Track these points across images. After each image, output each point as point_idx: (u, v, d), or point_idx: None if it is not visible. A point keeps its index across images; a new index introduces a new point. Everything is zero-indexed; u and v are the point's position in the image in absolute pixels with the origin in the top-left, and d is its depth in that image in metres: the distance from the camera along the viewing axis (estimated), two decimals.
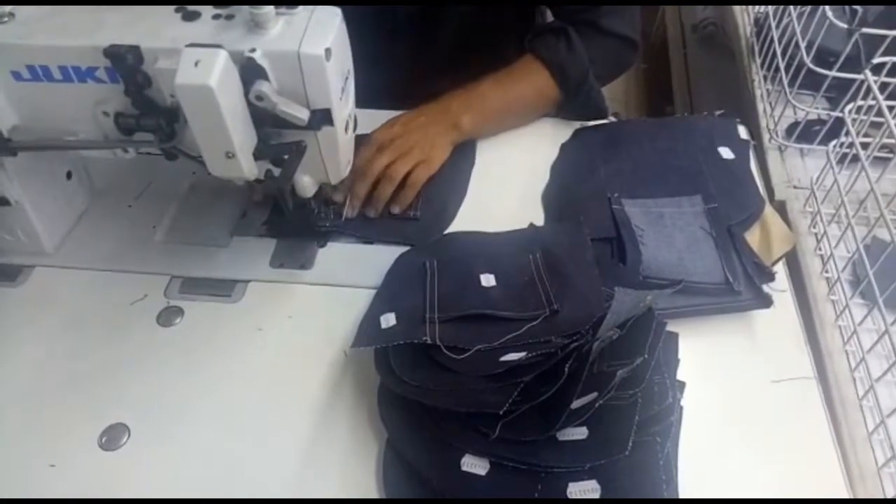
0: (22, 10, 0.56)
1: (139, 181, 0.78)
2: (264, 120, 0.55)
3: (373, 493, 0.54)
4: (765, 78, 0.93)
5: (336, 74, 0.54)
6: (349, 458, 0.56)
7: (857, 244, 0.63)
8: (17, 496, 0.54)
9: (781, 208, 0.79)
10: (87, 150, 0.61)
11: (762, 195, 0.75)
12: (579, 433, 0.52)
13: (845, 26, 0.76)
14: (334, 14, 0.54)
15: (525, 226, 0.72)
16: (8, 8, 0.55)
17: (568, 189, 0.77)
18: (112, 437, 0.57)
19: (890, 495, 0.55)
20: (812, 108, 0.82)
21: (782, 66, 0.83)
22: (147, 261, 0.70)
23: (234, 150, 0.53)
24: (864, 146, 0.66)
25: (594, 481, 0.50)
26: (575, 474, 0.51)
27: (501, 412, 0.50)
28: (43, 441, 0.57)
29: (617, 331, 0.53)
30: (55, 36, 0.54)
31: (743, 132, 0.83)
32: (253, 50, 0.51)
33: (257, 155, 0.56)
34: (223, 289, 0.68)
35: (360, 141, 0.71)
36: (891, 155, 0.65)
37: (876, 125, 0.66)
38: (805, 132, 0.83)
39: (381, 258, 0.69)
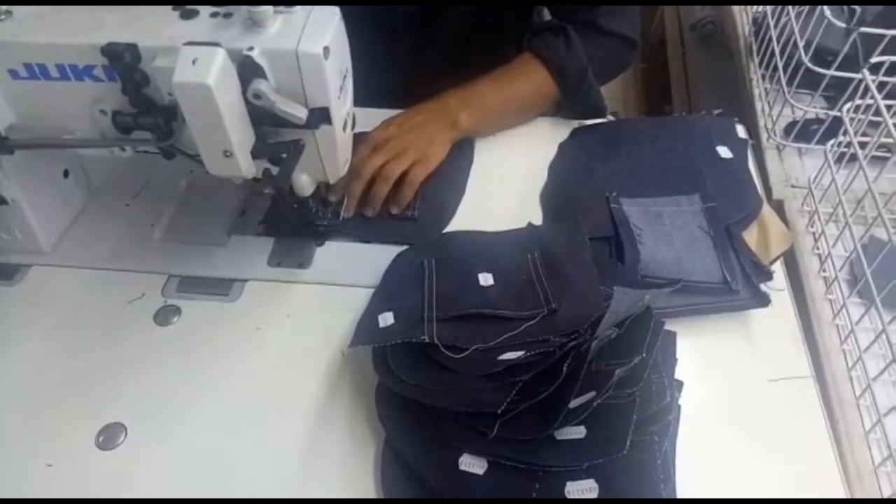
0: (19, 9, 0.56)
1: (137, 180, 0.77)
2: (262, 118, 0.54)
3: (371, 493, 0.54)
4: (763, 77, 0.93)
5: (334, 73, 0.54)
6: (347, 457, 0.56)
7: (855, 243, 0.63)
8: (14, 496, 0.54)
9: (779, 207, 0.79)
10: (85, 148, 0.61)
11: (760, 194, 0.75)
12: (577, 432, 0.52)
13: (843, 25, 0.76)
14: (333, 13, 0.54)
15: (523, 225, 0.72)
16: (5, 6, 0.55)
17: (566, 188, 0.77)
18: (109, 436, 0.57)
19: (886, 494, 0.56)
20: (810, 107, 0.82)
21: (780, 65, 0.83)
22: (144, 260, 0.70)
23: (232, 149, 0.53)
24: (862, 145, 0.66)
25: (592, 480, 0.50)
26: (573, 473, 0.51)
27: (499, 411, 0.50)
28: (39, 440, 0.57)
29: (615, 330, 0.53)
30: (52, 34, 0.54)
31: (741, 131, 0.83)
32: (251, 48, 0.51)
33: (255, 153, 0.56)
34: (221, 288, 0.68)
35: (358, 139, 0.71)
36: (889, 154, 0.66)
37: (874, 124, 0.66)
38: (803, 131, 0.83)
39: (379, 257, 0.69)
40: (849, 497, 0.55)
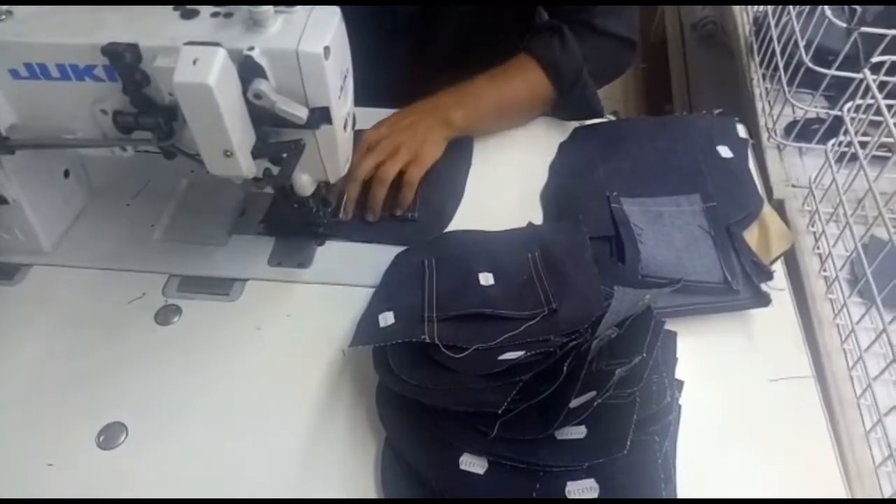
0: (20, 9, 0.56)
1: (137, 180, 0.77)
2: (263, 118, 0.54)
3: (371, 493, 0.54)
4: (764, 77, 0.93)
5: (335, 73, 0.54)
6: (348, 457, 0.56)
7: (856, 243, 0.63)
8: (15, 495, 0.54)
9: (780, 207, 0.79)
10: (86, 148, 0.61)
11: (761, 194, 0.75)
12: (578, 432, 0.52)
13: (844, 25, 0.76)
14: (333, 13, 0.54)
15: (524, 225, 0.72)
16: (6, 6, 0.55)
17: (567, 188, 0.77)
18: (110, 436, 0.57)
19: (887, 494, 0.56)
20: (811, 106, 0.82)
21: (781, 64, 0.83)
22: (145, 259, 0.70)
23: (233, 149, 0.53)
24: (863, 145, 0.66)
25: (592, 480, 0.50)
26: (573, 473, 0.51)
27: (500, 411, 0.50)
28: (40, 440, 0.57)
29: (616, 329, 0.53)
30: (53, 34, 0.54)
31: (742, 131, 0.83)
32: (251, 48, 0.51)
33: (256, 153, 0.56)
34: (221, 287, 0.68)
35: (357, 138, 0.71)
36: (889, 154, 0.65)
37: (874, 124, 0.66)
38: (804, 131, 0.83)
39: (379, 257, 0.69)
40: (849, 497, 0.55)
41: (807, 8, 0.82)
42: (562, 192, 0.77)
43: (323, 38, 0.52)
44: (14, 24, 0.55)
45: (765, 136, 0.87)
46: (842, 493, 0.55)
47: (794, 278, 0.71)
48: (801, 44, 0.78)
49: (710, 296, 0.65)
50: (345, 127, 0.59)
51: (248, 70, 0.51)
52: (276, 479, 0.55)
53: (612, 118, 0.88)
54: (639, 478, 0.51)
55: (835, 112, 0.79)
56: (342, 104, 0.57)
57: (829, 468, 0.56)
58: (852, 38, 0.74)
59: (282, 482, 0.55)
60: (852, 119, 0.68)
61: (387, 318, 0.60)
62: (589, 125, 0.85)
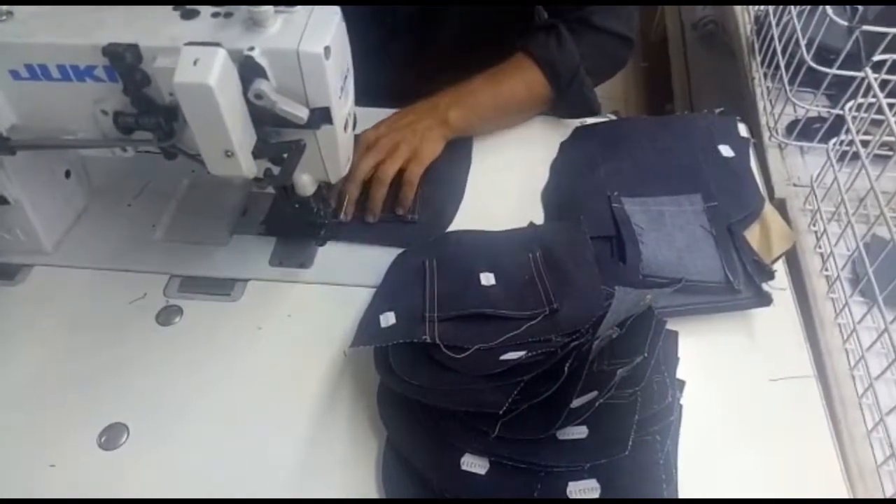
0: (20, 9, 0.56)
1: (138, 180, 0.77)
2: (263, 118, 0.54)
3: (372, 493, 0.54)
4: (765, 76, 0.92)
5: (335, 73, 0.54)
6: (349, 457, 0.56)
7: (857, 242, 0.63)
8: (17, 496, 0.54)
9: (781, 206, 0.79)
10: (86, 148, 0.61)
11: (762, 193, 0.75)
12: (579, 432, 0.52)
13: (846, 24, 0.76)
14: (333, 13, 0.54)
15: (525, 224, 0.72)
16: (6, 7, 0.55)
17: (568, 188, 0.77)
18: (111, 436, 0.57)
19: (889, 493, 0.55)
20: (812, 105, 0.82)
21: (782, 63, 0.83)
22: (146, 260, 0.70)
23: (234, 149, 0.53)
24: (865, 144, 0.66)
25: (594, 480, 0.50)
26: (575, 473, 0.51)
27: (501, 411, 0.50)
28: (42, 441, 0.57)
29: (617, 329, 0.53)
30: (54, 34, 0.54)
31: (743, 130, 0.83)
32: (252, 48, 0.51)
33: (256, 153, 0.56)
34: (222, 287, 0.68)
35: (357, 137, 0.71)
36: (891, 153, 0.65)
37: (876, 123, 0.66)
38: (805, 130, 0.83)
39: (380, 257, 0.69)
40: (851, 497, 0.55)
41: (808, 7, 0.82)
42: (563, 192, 0.77)
43: (323, 38, 0.52)
44: (14, 24, 0.55)
45: (766, 135, 0.87)
46: (843, 493, 0.55)
47: (796, 278, 0.71)
48: (803, 43, 0.78)
49: (712, 295, 0.65)
50: (345, 127, 0.59)
51: (248, 70, 0.51)
52: (277, 479, 0.55)
53: (613, 118, 0.87)
54: (640, 478, 0.51)
55: (836, 111, 0.78)
56: (343, 104, 0.57)
57: (831, 468, 0.56)
58: (854, 37, 0.74)
59: (283, 482, 0.55)
60: (854, 118, 0.68)
61: (388, 319, 0.60)
62: (590, 125, 0.85)
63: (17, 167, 0.63)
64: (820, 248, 0.74)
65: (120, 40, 0.52)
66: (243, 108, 0.53)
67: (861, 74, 0.69)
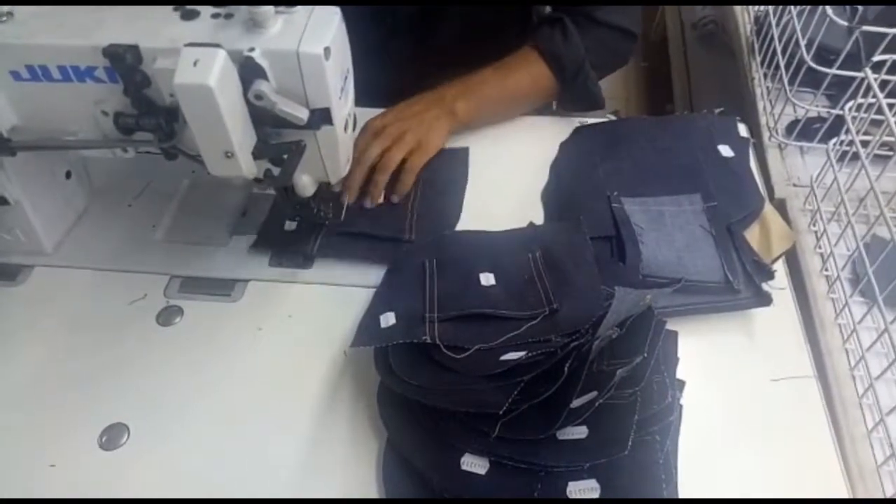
0: (21, 10, 0.56)
1: (138, 181, 0.78)
2: (263, 119, 0.55)
3: (373, 493, 0.54)
4: (765, 76, 0.92)
5: (335, 73, 0.54)
6: (349, 457, 0.56)
7: (857, 242, 0.63)
8: (18, 496, 0.54)
9: (781, 206, 0.79)
10: (87, 149, 0.61)
11: (762, 193, 0.75)
12: (579, 432, 0.52)
13: (846, 24, 0.76)
14: (333, 13, 0.54)
15: (525, 225, 0.72)
16: (6, 7, 0.55)
17: (567, 188, 0.77)
18: (112, 436, 0.57)
19: (889, 494, 0.55)
20: (812, 105, 0.82)
21: (782, 63, 0.83)
22: (146, 260, 0.70)
23: (234, 150, 0.53)
24: (864, 144, 0.66)
25: (594, 480, 0.50)
26: (575, 473, 0.51)
27: (501, 412, 0.50)
28: (42, 441, 0.57)
29: (617, 330, 0.53)
30: (54, 35, 0.54)
31: (743, 130, 0.83)
32: (252, 49, 0.51)
33: (256, 154, 0.56)
34: (223, 288, 0.68)
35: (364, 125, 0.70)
36: (891, 153, 0.65)
37: (876, 123, 0.66)
38: (805, 130, 0.83)
39: None
40: (851, 497, 0.55)
41: (808, 7, 0.82)
42: (563, 192, 0.77)
43: (323, 38, 0.52)
44: (15, 25, 0.55)
45: (766, 135, 0.87)
46: (843, 493, 0.55)
47: (796, 278, 0.71)
48: (803, 43, 0.78)
49: (712, 295, 0.65)
50: (345, 128, 0.59)
51: (248, 71, 0.51)
52: (277, 479, 0.55)
53: (613, 118, 0.88)
54: (640, 478, 0.51)
55: (836, 111, 0.78)
56: (343, 105, 0.57)
57: (831, 468, 0.56)
58: (853, 37, 0.74)
59: (283, 482, 0.55)
60: (854, 118, 0.68)
61: (388, 319, 0.61)
62: (590, 125, 0.85)
63: (18, 168, 0.63)
64: (820, 248, 0.74)
65: (120, 41, 0.52)
66: (243, 109, 0.53)
67: (861, 75, 0.69)
